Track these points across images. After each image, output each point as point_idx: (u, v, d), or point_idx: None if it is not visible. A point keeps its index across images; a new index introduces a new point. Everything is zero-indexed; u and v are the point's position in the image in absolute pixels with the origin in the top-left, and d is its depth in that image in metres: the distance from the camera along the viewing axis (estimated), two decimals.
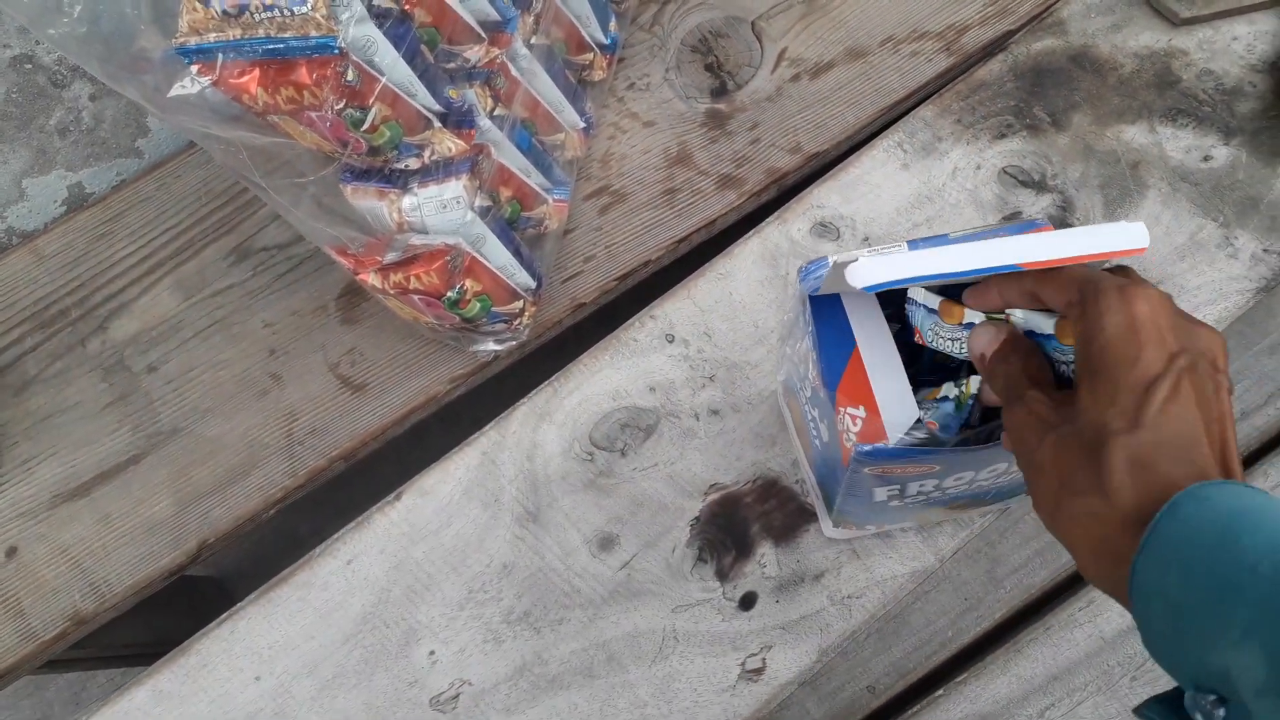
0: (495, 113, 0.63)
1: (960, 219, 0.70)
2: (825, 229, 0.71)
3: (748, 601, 0.61)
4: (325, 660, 0.61)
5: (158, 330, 0.78)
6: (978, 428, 0.47)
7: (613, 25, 0.79)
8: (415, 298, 0.65)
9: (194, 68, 0.48)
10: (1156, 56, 0.76)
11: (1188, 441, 0.34)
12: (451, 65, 0.60)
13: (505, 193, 0.66)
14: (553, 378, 0.68)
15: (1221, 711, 0.30)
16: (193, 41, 0.48)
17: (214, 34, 0.48)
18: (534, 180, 0.69)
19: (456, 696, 0.60)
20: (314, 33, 0.48)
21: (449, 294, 0.64)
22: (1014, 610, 0.75)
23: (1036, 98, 0.75)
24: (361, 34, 0.50)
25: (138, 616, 0.74)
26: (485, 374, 0.75)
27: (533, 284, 0.70)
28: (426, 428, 0.76)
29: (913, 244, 0.49)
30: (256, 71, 0.49)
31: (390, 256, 0.63)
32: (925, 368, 0.51)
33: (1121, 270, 0.40)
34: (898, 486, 0.50)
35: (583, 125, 0.76)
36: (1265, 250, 0.67)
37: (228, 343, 0.77)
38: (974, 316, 0.43)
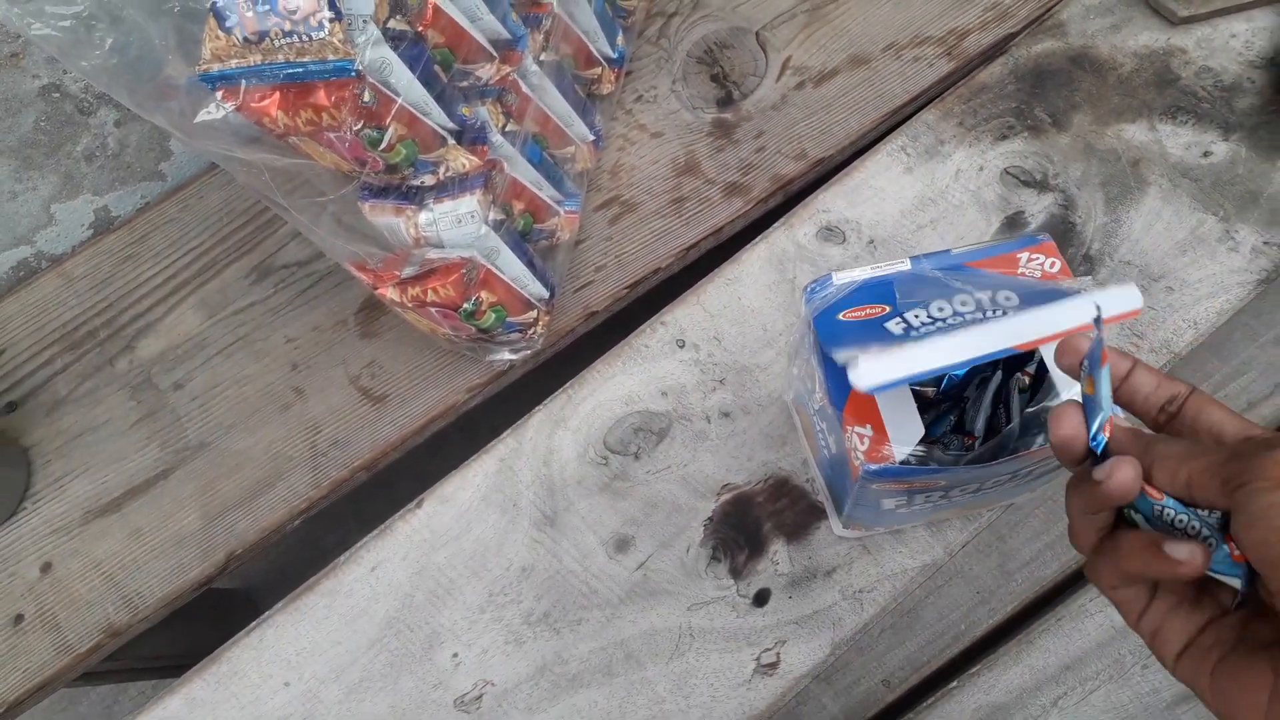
0: (507, 129, 0.64)
1: (964, 220, 0.71)
2: (831, 233, 0.72)
3: (761, 598, 0.62)
4: (352, 665, 0.63)
5: (183, 348, 0.80)
6: (981, 447, 0.48)
7: (620, 39, 0.81)
8: (432, 310, 0.66)
9: (218, 93, 0.50)
10: (1155, 55, 0.77)
11: None
12: (464, 84, 0.61)
13: (518, 206, 0.68)
14: (567, 385, 0.69)
15: None
16: (216, 68, 0.50)
17: (236, 60, 0.50)
18: (546, 193, 0.70)
19: (480, 697, 0.61)
20: (331, 56, 0.50)
21: (465, 305, 0.65)
22: (1025, 603, 0.75)
23: (1037, 99, 0.76)
24: (377, 56, 0.52)
25: (168, 629, 0.76)
26: (501, 383, 0.76)
27: (546, 294, 0.71)
28: (445, 437, 0.77)
29: (915, 260, 0.51)
30: (277, 95, 0.50)
31: (408, 271, 0.64)
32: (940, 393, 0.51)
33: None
34: (905, 496, 0.51)
35: (592, 138, 0.77)
36: (1265, 243, 0.68)
37: (251, 359, 0.79)
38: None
